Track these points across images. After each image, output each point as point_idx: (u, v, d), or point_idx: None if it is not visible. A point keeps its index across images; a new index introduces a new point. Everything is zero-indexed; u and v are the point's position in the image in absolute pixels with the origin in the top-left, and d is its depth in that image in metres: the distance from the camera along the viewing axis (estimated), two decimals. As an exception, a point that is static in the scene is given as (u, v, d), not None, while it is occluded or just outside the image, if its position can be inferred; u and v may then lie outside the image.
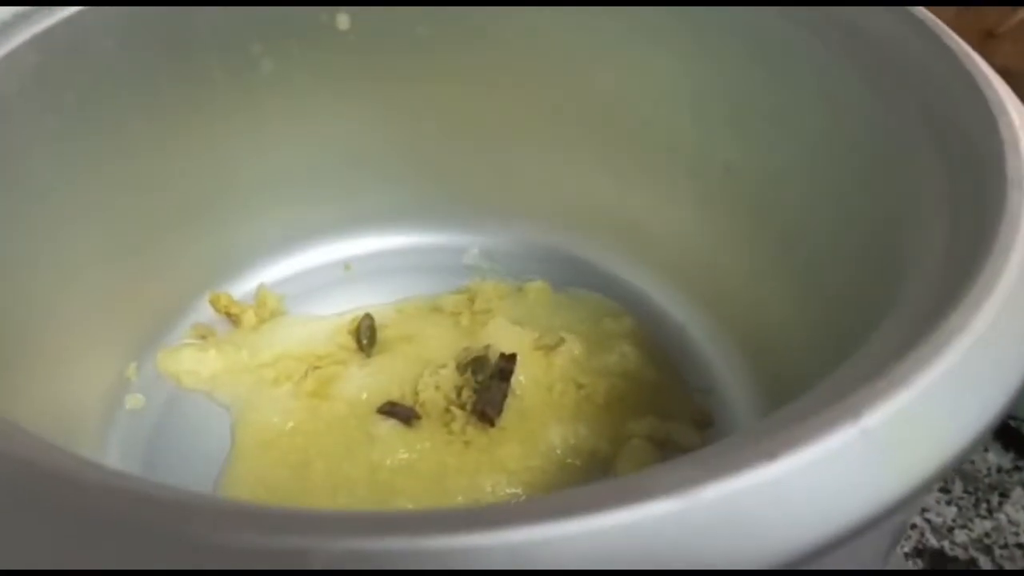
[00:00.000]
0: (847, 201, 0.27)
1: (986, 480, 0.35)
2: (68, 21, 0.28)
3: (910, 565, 0.33)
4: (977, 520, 0.34)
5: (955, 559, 0.33)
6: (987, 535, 0.33)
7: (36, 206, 0.29)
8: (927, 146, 0.22)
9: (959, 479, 0.35)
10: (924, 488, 0.15)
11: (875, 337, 0.18)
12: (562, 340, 0.33)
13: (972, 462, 0.36)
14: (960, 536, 0.33)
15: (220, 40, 0.32)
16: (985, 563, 0.33)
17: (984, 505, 0.34)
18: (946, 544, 0.33)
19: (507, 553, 0.14)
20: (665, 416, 0.32)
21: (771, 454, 0.14)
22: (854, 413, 0.15)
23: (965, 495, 0.35)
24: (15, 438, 0.16)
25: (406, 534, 0.14)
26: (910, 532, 0.33)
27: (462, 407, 0.31)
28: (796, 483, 0.14)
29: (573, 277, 0.37)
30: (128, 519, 0.14)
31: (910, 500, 0.15)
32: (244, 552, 0.14)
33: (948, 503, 0.34)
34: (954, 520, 0.34)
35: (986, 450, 0.36)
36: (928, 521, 0.34)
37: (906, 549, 0.33)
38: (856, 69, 0.26)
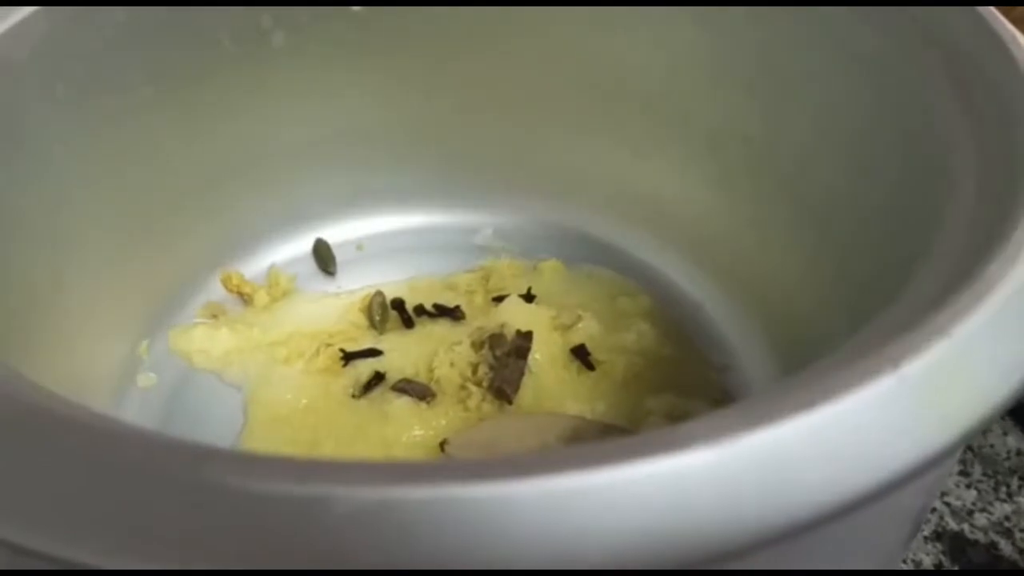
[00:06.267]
0: (871, 172, 0.27)
1: (1005, 464, 0.35)
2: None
3: (930, 548, 0.32)
4: (997, 503, 0.33)
5: (975, 542, 0.32)
6: (1007, 518, 0.33)
7: (44, 177, 0.28)
8: (952, 106, 0.22)
9: (978, 463, 0.35)
10: (964, 439, 0.15)
11: (911, 288, 0.17)
12: (579, 318, 0.33)
13: (991, 446, 0.35)
14: (980, 519, 0.33)
15: (230, 12, 0.31)
16: (1005, 546, 0.32)
17: (1004, 488, 0.34)
18: (966, 527, 0.33)
19: (539, 502, 0.13)
20: (684, 394, 0.31)
21: (810, 403, 0.14)
22: (893, 362, 0.15)
23: (984, 478, 0.34)
24: (39, 392, 0.16)
25: (433, 482, 0.13)
26: (929, 515, 0.33)
27: (478, 384, 0.31)
28: (835, 432, 0.14)
29: (587, 255, 0.37)
30: (148, 465, 0.14)
31: (950, 451, 0.15)
32: (265, 498, 0.13)
33: (968, 486, 0.34)
34: (974, 503, 0.33)
35: (1005, 434, 0.36)
36: (948, 504, 0.33)
37: (925, 532, 0.32)
38: (877, 30, 0.25)
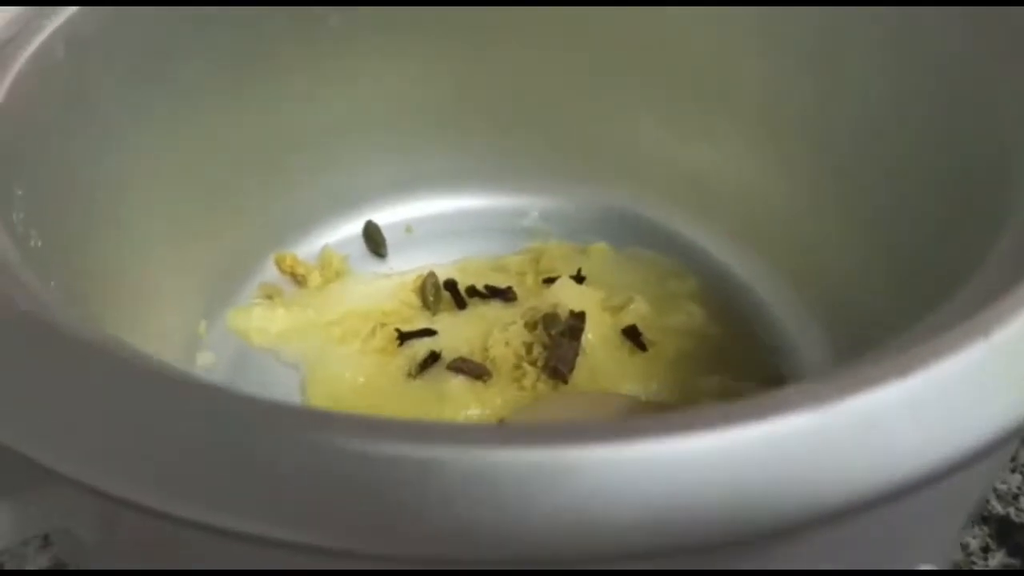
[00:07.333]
0: (931, 147, 0.26)
1: (1050, 449, 0.35)
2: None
3: (976, 532, 0.32)
4: (1043, 487, 0.34)
5: (1021, 526, 0.32)
6: (1053, 502, 0.33)
7: (110, 154, 0.29)
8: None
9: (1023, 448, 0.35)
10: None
11: (994, 258, 0.17)
12: (630, 299, 0.33)
13: (1036, 430, 0.35)
14: (1026, 503, 0.33)
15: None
16: (1051, 530, 0.32)
17: (1049, 473, 0.34)
18: (1012, 511, 0.33)
19: (643, 466, 0.14)
20: (736, 374, 0.32)
21: (903, 370, 0.14)
22: (984, 330, 0.15)
23: (1030, 463, 0.34)
24: (151, 360, 0.16)
25: (542, 445, 0.14)
26: (976, 499, 0.33)
27: (533, 363, 0.31)
28: (928, 399, 0.14)
29: (635, 238, 0.37)
30: (263, 426, 0.14)
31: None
32: (383, 460, 0.14)
33: (1013, 470, 0.34)
34: (1019, 487, 0.34)
35: (1049, 418, 0.36)
36: (994, 489, 0.33)
37: (972, 516, 0.33)
38: (960, 28, 0.25)
